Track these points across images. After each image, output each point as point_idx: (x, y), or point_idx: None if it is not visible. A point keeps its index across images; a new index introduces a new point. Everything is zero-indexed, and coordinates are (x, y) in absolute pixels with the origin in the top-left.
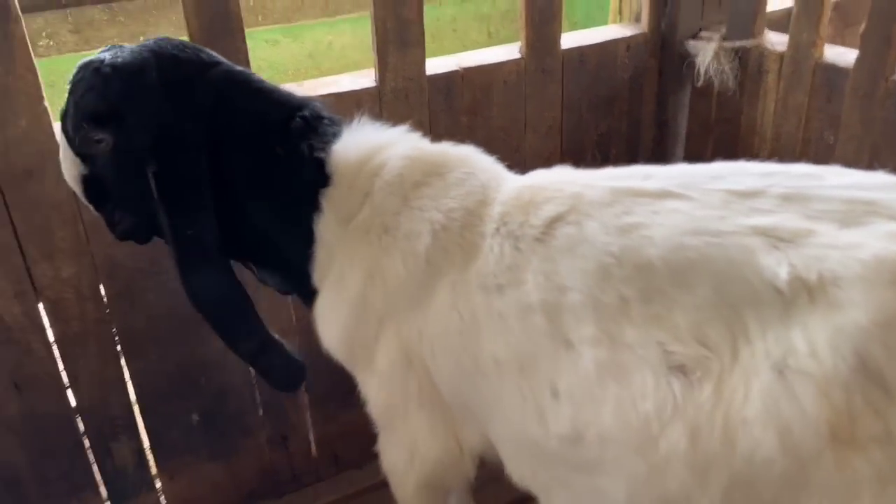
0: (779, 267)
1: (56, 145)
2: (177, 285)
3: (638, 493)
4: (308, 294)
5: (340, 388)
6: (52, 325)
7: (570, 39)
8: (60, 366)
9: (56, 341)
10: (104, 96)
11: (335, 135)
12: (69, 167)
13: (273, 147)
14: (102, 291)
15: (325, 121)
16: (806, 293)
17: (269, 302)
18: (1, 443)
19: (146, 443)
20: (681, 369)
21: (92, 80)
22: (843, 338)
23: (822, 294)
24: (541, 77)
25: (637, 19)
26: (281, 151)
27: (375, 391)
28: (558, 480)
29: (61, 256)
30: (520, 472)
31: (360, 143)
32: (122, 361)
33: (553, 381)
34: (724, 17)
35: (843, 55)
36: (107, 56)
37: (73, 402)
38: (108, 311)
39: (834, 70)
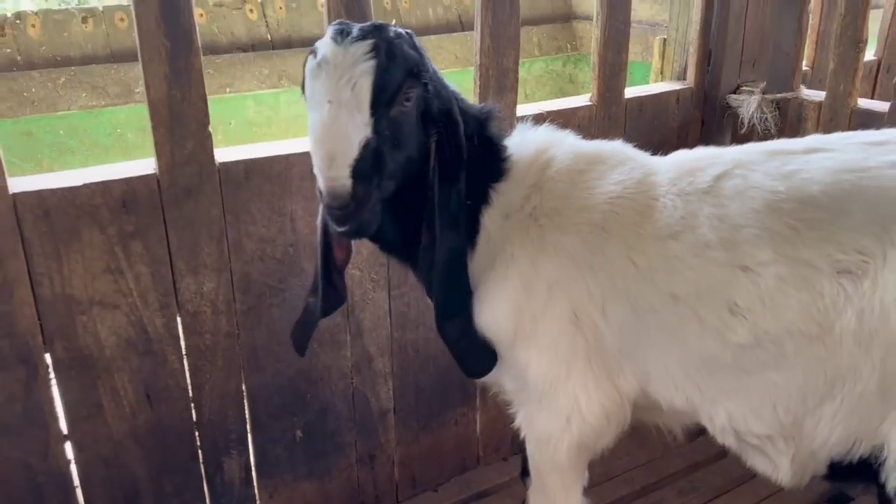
0: None
1: (213, 167)
2: (299, 303)
3: (813, 374)
4: None
5: (425, 408)
6: (185, 338)
7: (631, 91)
8: (188, 379)
9: (187, 354)
10: (406, 51)
11: (513, 134)
12: (350, 133)
13: (472, 138)
14: (235, 307)
15: (494, 120)
16: None
17: (370, 321)
18: (127, 454)
19: (253, 459)
20: (847, 271)
21: (400, 41)
22: None
23: None
24: (607, 122)
25: (679, 77)
26: (476, 143)
27: (536, 360)
28: (726, 390)
29: (205, 271)
30: (685, 394)
31: (529, 142)
32: (242, 376)
33: (731, 301)
34: (758, 75)
35: (874, 104)
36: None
37: (193, 417)
38: (237, 325)
39: (868, 115)
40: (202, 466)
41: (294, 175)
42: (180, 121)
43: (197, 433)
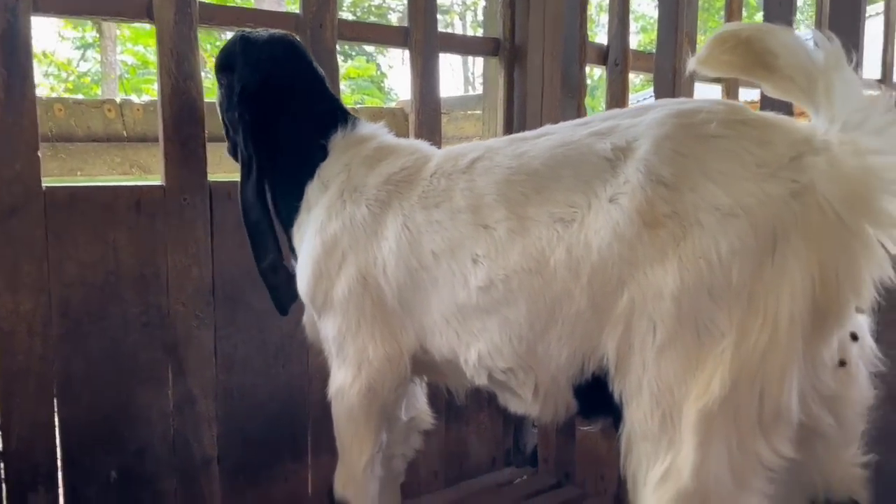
0: (605, 145)
1: (40, 188)
2: (118, 333)
3: (535, 303)
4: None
5: (252, 459)
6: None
7: None
8: None
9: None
10: (228, 54)
11: (347, 127)
12: (217, 95)
13: (305, 129)
14: (52, 330)
15: (346, 117)
16: (622, 153)
17: (194, 360)
18: None
19: (62, 499)
20: (561, 220)
21: (229, 43)
22: (638, 164)
23: (629, 151)
24: None
25: None
26: (308, 131)
27: (332, 321)
28: (475, 332)
29: (24, 291)
30: (448, 341)
31: (354, 134)
32: (55, 405)
33: (474, 253)
34: None
35: None
36: (250, 32)
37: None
38: (52, 350)
39: None
40: (4, 500)
41: (120, 205)
42: (11, 143)
43: (2, 463)
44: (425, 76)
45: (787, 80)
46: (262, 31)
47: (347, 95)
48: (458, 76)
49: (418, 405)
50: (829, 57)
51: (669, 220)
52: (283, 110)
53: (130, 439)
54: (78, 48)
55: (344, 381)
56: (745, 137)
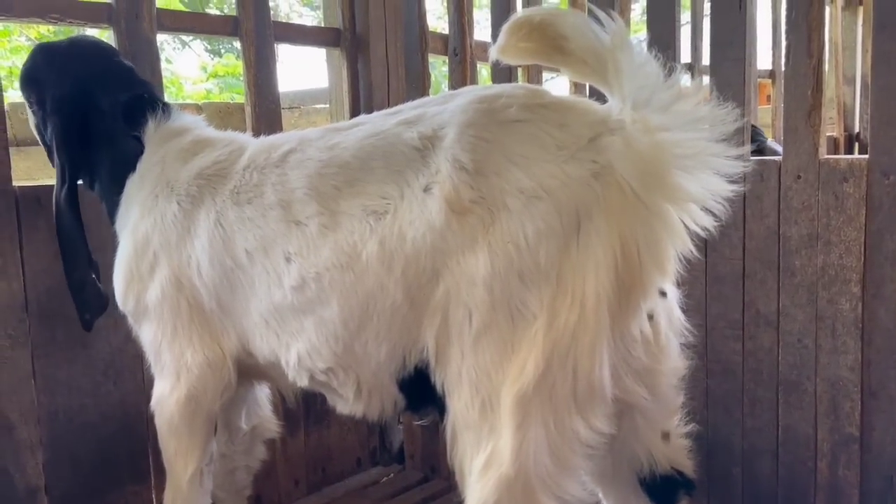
0: (413, 134)
1: None
2: None
3: (348, 300)
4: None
5: (86, 486)
6: None
7: None
8: None
9: None
10: (31, 68)
11: (158, 116)
12: (30, 117)
13: (115, 123)
14: None
15: (157, 105)
16: (430, 142)
17: (8, 383)
18: None
19: None
20: (374, 212)
21: (29, 58)
22: (446, 152)
23: (436, 139)
24: None
25: None
26: (124, 128)
27: (148, 327)
28: (294, 332)
29: None
30: (268, 343)
31: (170, 126)
32: None
33: (287, 251)
34: None
35: None
36: (48, 42)
37: None
38: None
39: None
40: None
41: None
42: None
43: None
44: (260, 67)
45: (581, 63)
46: (61, 40)
47: (216, 94)
48: (321, 67)
49: (261, 413)
50: (614, 36)
51: (477, 206)
52: (93, 108)
53: None
54: None
55: (163, 392)
56: (545, 120)
